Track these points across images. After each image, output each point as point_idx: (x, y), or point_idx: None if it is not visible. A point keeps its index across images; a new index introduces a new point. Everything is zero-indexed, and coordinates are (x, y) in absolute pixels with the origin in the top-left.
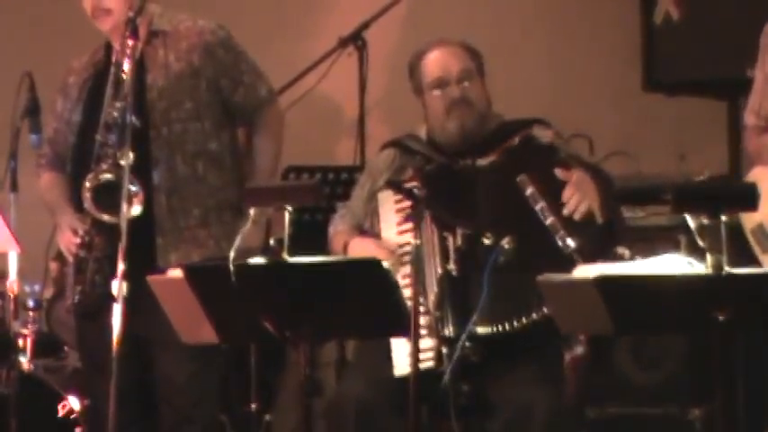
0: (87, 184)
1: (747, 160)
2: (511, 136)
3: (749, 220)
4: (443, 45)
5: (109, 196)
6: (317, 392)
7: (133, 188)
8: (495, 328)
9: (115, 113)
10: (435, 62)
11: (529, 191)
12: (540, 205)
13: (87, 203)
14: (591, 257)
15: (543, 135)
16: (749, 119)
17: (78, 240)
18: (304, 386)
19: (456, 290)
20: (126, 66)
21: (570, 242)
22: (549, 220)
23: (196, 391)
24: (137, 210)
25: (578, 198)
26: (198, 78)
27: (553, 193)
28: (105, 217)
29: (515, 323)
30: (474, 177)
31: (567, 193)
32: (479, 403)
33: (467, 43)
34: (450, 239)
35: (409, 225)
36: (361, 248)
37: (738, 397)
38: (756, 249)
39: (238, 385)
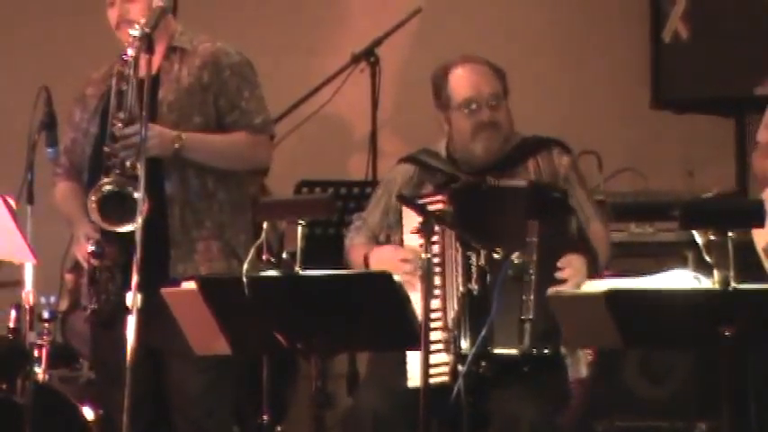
0: (92, 197)
1: (755, 177)
2: (530, 154)
3: (761, 238)
4: (471, 63)
5: (114, 207)
6: (329, 404)
7: (137, 195)
8: (509, 350)
9: (119, 124)
10: (465, 81)
11: (532, 239)
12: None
13: (93, 215)
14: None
15: (560, 163)
16: (762, 135)
17: (90, 250)
18: (315, 398)
19: (476, 309)
20: (125, 76)
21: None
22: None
23: (209, 403)
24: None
25: (570, 273)
26: (206, 94)
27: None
28: (111, 227)
29: (535, 351)
30: (502, 197)
31: (564, 262)
32: (479, 415)
33: (492, 62)
34: (474, 258)
35: (423, 240)
36: (379, 256)
37: (745, 412)
38: None
39: (250, 397)
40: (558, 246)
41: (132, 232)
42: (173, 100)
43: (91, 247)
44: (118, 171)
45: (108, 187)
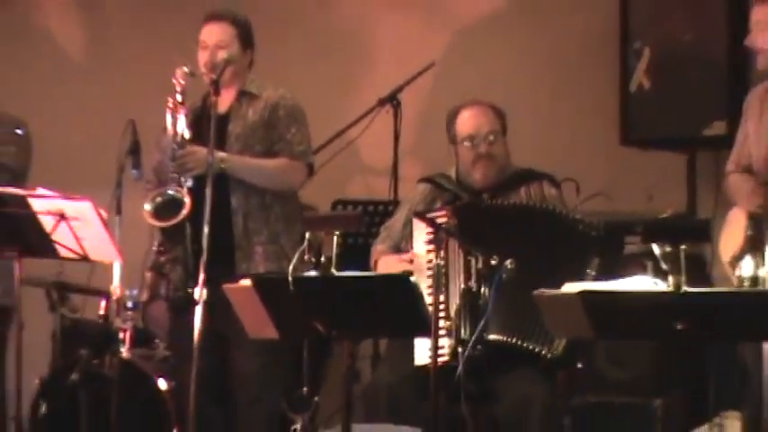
0: (147, 207)
1: (725, 202)
2: (524, 182)
3: (727, 252)
4: (476, 105)
5: (169, 210)
6: (356, 380)
7: (175, 193)
8: (504, 338)
9: (176, 147)
10: (468, 119)
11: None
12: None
13: (148, 218)
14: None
15: (549, 193)
16: (729, 167)
17: (155, 249)
18: (346, 375)
19: (474, 302)
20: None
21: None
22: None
23: (264, 379)
24: (186, 209)
25: None
26: (266, 129)
27: None
28: (164, 224)
29: (518, 342)
30: (495, 213)
31: None
32: (486, 392)
33: (495, 105)
34: (473, 262)
35: (433, 246)
36: (385, 262)
37: (691, 390)
38: (733, 277)
39: (293, 373)
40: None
41: (200, 236)
42: (239, 133)
43: (155, 248)
44: (174, 184)
45: (159, 198)
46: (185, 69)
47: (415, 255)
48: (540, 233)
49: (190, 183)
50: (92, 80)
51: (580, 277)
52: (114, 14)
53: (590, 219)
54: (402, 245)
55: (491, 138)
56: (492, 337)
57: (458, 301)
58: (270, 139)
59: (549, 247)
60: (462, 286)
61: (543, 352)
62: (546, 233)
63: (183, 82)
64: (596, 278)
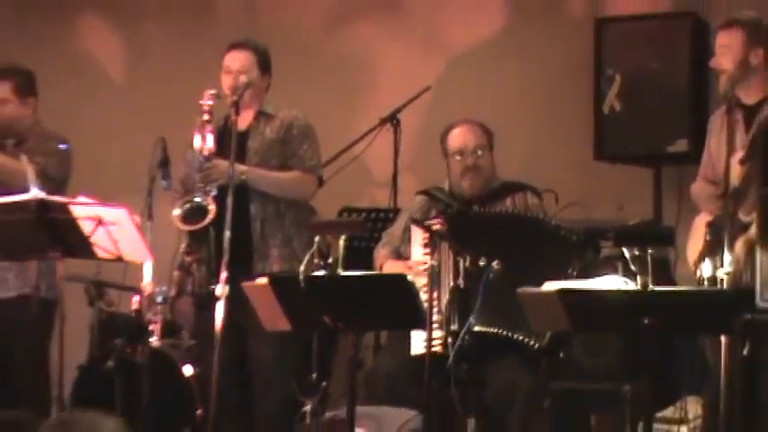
0: (176, 212)
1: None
2: (509, 193)
3: (692, 253)
4: (466, 123)
5: (195, 216)
6: (359, 367)
7: (201, 200)
8: (494, 330)
9: (202, 160)
10: (458, 136)
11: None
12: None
13: (177, 223)
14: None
15: (532, 203)
16: (697, 179)
17: (182, 250)
18: (350, 363)
19: (462, 298)
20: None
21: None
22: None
23: (278, 366)
24: (211, 215)
25: None
26: (282, 145)
27: None
28: (191, 227)
29: (508, 334)
30: (481, 220)
31: None
32: (475, 379)
33: (483, 123)
34: (462, 262)
35: (428, 250)
36: (390, 265)
37: (657, 377)
38: (699, 276)
39: (304, 361)
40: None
41: (222, 239)
42: (257, 148)
43: (183, 249)
44: (199, 193)
45: (187, 205)
46: (212, 92)
47: (416, 262)
48: (525, 238)
49: (214, 192)
50: (128, 100)
51: (562, 278)
52: (149, 41)
53: (570, 225)
54: (402, 249)
55: (479, 152)
56: (481, 329)
57: (448, 297)
58: (285, 154)
59: (533, 250)
60: (451, 284)
61: (532, 342)
62: (530, 238)
63: (209, 103)
64: (578, 278)
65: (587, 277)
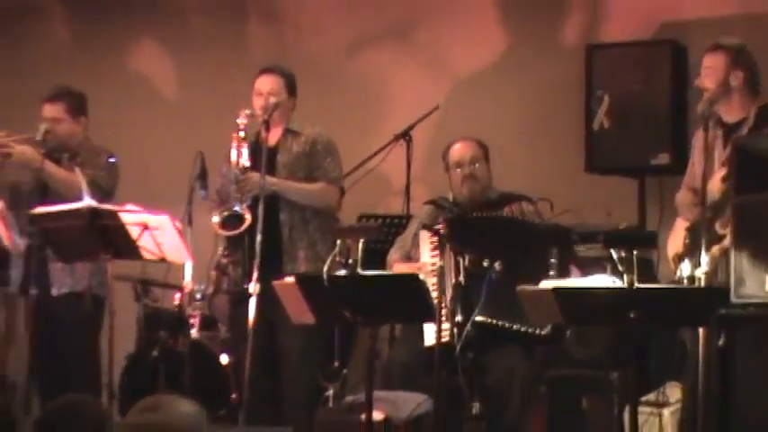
0: (215, 219)
1: (669, 216)
2: (507, 203)
3: (672, 249)
4: (463, 140)
5: (232, 222)
6: (377, 357)
7: (238, 209)
8: (489, 321)
9: (238, 173)
10: (457, 150)
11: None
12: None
13: (216, 228)
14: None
15: (528, 208)
16: (682, 187)
17: (219, 252)
18: (368, 353)
19: (463, 293)
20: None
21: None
22: None
23: (304, 355)
24: (246, 222)
25: None
26: (307, 159)
27: None
28: (229, 233)
29: (501, 323)
30: (476, 223)
31: None
32: (478, 366)
33: (479, 139)
34: (462, 261)
35: (436, 251)
36: (401, 269)
37: (641, 365)
38: (676, 272)
39: (327, 351)
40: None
41: (254, 243)
42: (286, 162)
43: (221, 251)
44: (236, 202)
45: (225, 213)
46: (246, 111)
47: (424, 263)
48: (510, 234)
49: (248, 201)
50: (171, 118)
51: (545, 264)
52: (193, 66)
53: (542, 222)
54: (412, 252)
55: (475, 164)
56: (485, 320)
57: (452, 293)
58: (310, 167)
59: (518, 244)
60: (454, 281)
61: (537, 331)
62: (513, 234)
63: (244, 121)
64: (558, 266)
65: (565, 265)
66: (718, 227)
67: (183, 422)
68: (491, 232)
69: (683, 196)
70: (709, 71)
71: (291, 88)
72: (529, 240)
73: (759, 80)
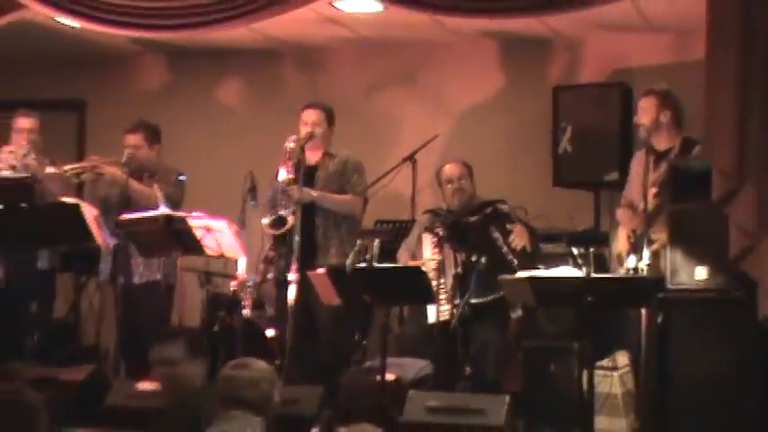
0: (265, 221)
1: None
2: (487, 207)
3: (615, 248)
4: (452, 162)
5: (278, 224)
6: (389, 331)
7: (284, 213)
8: (481, 299)
9: (284, 186)
10: (447, 170)
11: (495, 235)
12: (500, 242)
13: (266, 229)
14: (524, 268)
15: (504, 207)
16: (621, 202)
17: (268, 248)
18: (382, 328)
19: (460, 282)
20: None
21: (514, 261)
22: (505, 250)
23: (334, 328)
24: (290, 224)
25: (519, 240)
26: (340, 176)
27: (507, 236)
28: (275, 232)
29: (489, 297)
30: (469, 226)
31: (513, 236)
32: (468, 338)
33: (465, 161)
34: (458, 257)
35: (436, 249)
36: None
37: (596, 337)
38: (616, 268)
39: (350, 326)
40: (509, 232)
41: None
42: (323, 177)
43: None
44: (282, 208)
45: (273, 216)
46: (293, 137)
47: (425, 261)
48: (486, 230)
49: (292, 208)
50: (230, 141)
51: (493, 239)
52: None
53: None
54: (416, 250)
55: (462, 180)
56: (476, 300)
57: (451, 281)
58: (341, 182)
59: (479, 231)
60: (453, 271)
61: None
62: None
63: (291, 145)
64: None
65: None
66: (651, 232)
67: (263, 375)
68: (475, 230)
69: (622, 212)
70: (644, 111)
71: (330, 120)
72: (485, 226)
73: (683, 117)
